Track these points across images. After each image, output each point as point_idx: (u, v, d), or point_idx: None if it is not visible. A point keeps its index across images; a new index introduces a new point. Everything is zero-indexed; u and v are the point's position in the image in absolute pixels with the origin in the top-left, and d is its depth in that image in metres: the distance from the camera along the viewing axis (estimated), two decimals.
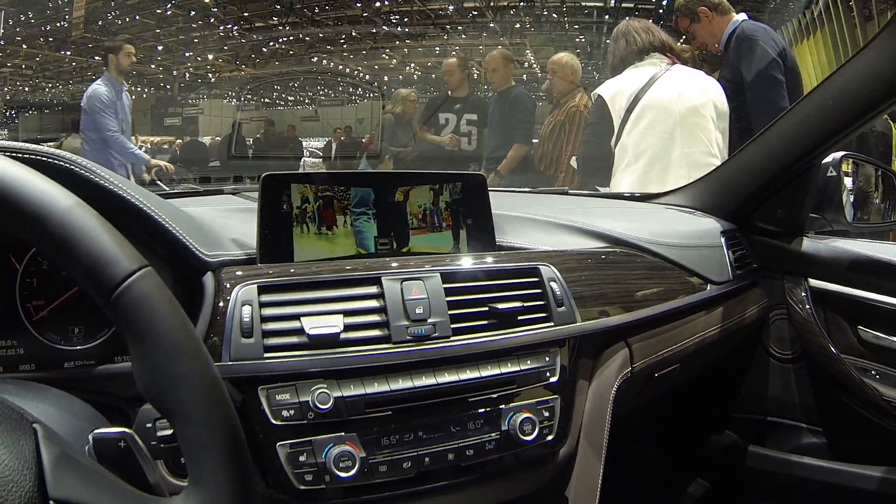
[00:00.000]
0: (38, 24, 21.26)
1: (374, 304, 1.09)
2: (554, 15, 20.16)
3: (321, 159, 11.00)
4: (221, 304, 1.00)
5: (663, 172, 2.96)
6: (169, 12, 21.09)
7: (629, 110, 3.14)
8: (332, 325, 1.02)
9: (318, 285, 1.07)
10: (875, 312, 1.86)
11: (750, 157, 1.98)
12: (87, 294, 1.03)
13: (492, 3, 19.51)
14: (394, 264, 1.16)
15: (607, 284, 1.42)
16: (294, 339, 1.01)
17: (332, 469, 0.97)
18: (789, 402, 2.03)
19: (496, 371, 1.13)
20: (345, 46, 23.60)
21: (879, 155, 6.01)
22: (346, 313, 1.05)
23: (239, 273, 1.06)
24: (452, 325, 1.11)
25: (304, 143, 15.06)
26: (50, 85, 27.38)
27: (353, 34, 22.26)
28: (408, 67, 24.08)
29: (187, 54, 25.43)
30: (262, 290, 1.03)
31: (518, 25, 20.62)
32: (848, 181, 2.21)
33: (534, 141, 5.46)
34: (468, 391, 1.10)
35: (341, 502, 1.02)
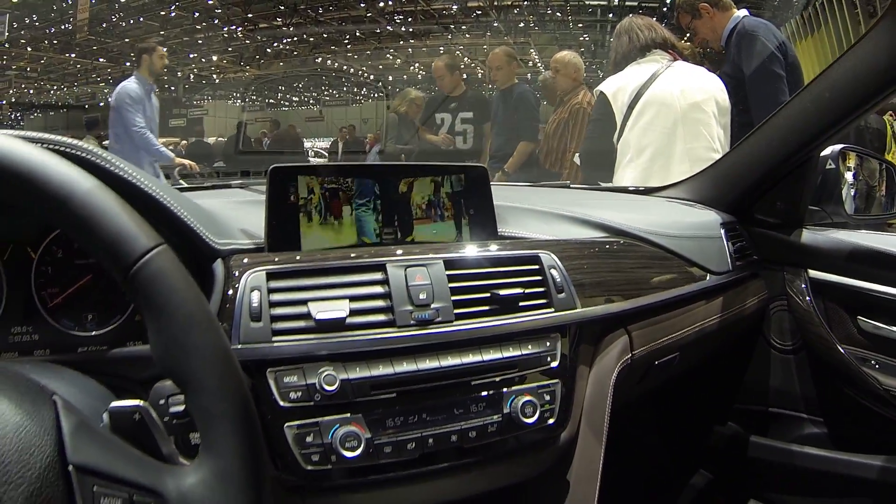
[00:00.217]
0: (42, 27, 21.32)
1: (378, 289, 1.11)
2: (558, 14, 20.18)
3: (326, 159, 11.04)
4: (231, 290, 1.03)
5: (665, 168, 2.98)
6: (173, 14, 21.13)
7: (631, 106, 3.16)
8: (338, 309, 1.05)
9: (325, 272, 1.10)
10: (874, 303, 1.87)
11: (749, 150, 2.00)
12: (100, 282, 1.07)
13: (495, 3, 19.53)
14: (398, 252, 1.18)
15: (607, 272, 1.45)
16: (301, 324, 1.03)
17: (339, 449, 0.99)
18: (790, 393, 2.04)
19: (498, 355, 1.15)
20: (349, 47, 23.64)
21: (874, 150, 6.04)
22: (352, 299, 1.08)
23: (248, 260, 1.08)
24: (455, 311, 1.14)
25: (311, 143, 15.16)
26: (55, 87, 27.44)
27: (357, 34, 22.29)
28: (412, 67, 24.11)
29: (191, 55, 25.49)
30: (271, 276, 1.05)
31: (522, 25, 20.64)
32: (848, 174, 2.23)
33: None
34: (470, 374, 1.13)
35: (347, 482, 1.05)
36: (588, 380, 1.34)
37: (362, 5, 20.45)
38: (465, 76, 6.19)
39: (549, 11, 20.05)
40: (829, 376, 1.97)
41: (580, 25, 20.57)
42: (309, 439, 0.99)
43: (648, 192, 2.32)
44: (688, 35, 4.26)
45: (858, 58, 1.64)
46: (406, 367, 1.08)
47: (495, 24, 20.25)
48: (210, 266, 1.07)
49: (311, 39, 22.70)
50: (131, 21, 21.45)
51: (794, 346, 2.02)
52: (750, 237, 2.00)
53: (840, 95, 1.70)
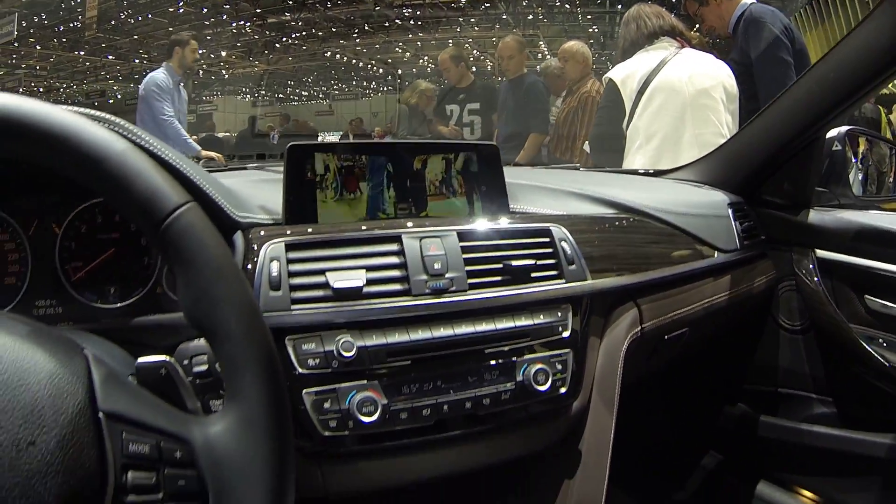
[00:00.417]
0: (51, 25, 21.34)
1: (394, 260, 1.14)
2: (566, 6, 20.11)
3: None
4: (250, 261, 1.05)
5: (675, 154, 2.99)
6: (181, 10, 21.14)
7: (640, 93, 3.18)
8: (355, 279, 1.07)
9: (342, 243, 1.13)
10: (882, 282, 1.88)
11: (755, 132, 2.02)
12: (122, 256, 1.10)
13: None
14: (412, 224, 1.21)
15: (617, 246, 1.47)
16: (319, 293, 1.06)
17: (356, 414, 1.02)
18: (799, 373, 2.06)
19: (510, 324, 1.18)
20: (358, 40, 23.60)
21: None
22: (368, 269, 1.10)
23: (267, 233, 1.11)
24: (469, 280, 1.16)
25: (321, 137, 15.25)
26: (64, 85, 27.47)
27: (366, 28, 22.26)
28: (421, 60, 24.07)
29: (200, 51, 25.47)
30: (290, 247, 1.08)
31: (531, 17, 20.59)
32: (853, 156, 2.25)
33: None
34: (484, 343, 1.16)
35: (363, 449, 1.08)
36: (599, 351, 1.37)
37: None
38: (473, 69, 6.16)
39: (558, 3, 19.99)
40: (838, 355, 1.98)
41: (589, 17, 20.51)
42: (326, 405, 1.02)
43: (657, 174, 2.34)
44: (697, 27, 4.27)
45: (862, 39, 1.66)
46: (421, 334, 1.10)
47: (504, 17, 20.20)
48: (230, 238, 1.09)
49: (321, 34, 22.68)
50: (140, 18, 21.46)
51: (803, 326, 2.03)
52: (758, 218, 2.01)
53: (844, 76, 1.72)
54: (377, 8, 20.08)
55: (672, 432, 2.39)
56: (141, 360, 0.74)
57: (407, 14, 20.78)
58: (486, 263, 1.20)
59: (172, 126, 5.46)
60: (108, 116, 0.97)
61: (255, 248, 1.08)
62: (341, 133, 18.00)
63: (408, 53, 24.03)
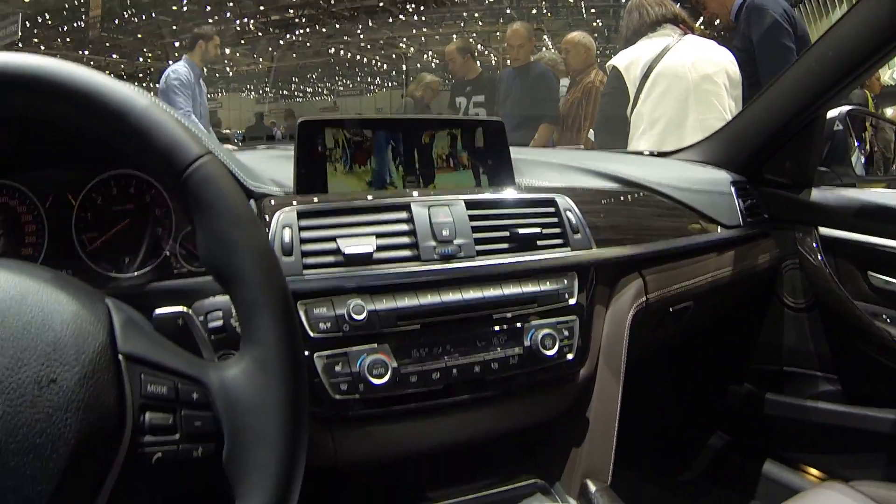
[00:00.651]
0: (55, 25, 21.33)
1: (403, 227, 1.16)
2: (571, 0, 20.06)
3: None
4: (264, 228, 1.08)
5: (678, 138, 3.00)
6: (185, 9, 21.11)
7: (643, 79, 3.19)
8: (365, 245, 1.10)
9: (352, 211, 1.15)
10: (885, 258, 1.90)
11: (756, 112, 2.04)
12: (136, 226, 1.12)
13: None
14: (419, 194, 1.24)
15: (621, 218, 1.50)
16: (331, 258, 1.09)
17: (367, 377, 1.04)
18: (804, 351, 2.07)
19: (517, 290, 1.20)
20: (362, 36, 23.59)
21: None
22: (378, 235, 1.13)
23: (279, 202, 1.14)
24: (476, 247, 1.19)
25: None
26: None
27: (370, 24, 22.23)
28: (425, 56, 24.06)
29: None
30: (301, 215, 1.11)
31: (535, 11, 20.54)
32: (854, 136, 2.27)
33: None
34: (492, 308, 1.18)
35: (373, 413, 1.10)
36: (605, 320, 1.39)
37: None
38: (478, 63, 6.15)
39: None
40: (843, 332, 1.99)
41: (593, 11, 20.45)
42: (338, 368, 1.05)
43: (661, 155, 2.36)
44: (700, 20, 4.28)
45: (860, 16, 1.68)
46: (430, 299, 1.13)
47: (508, 11, 20.15)
48: None
49: (324, 30, 22.65)
50: (143, 16, 21.43)
51: (807, 305, 2.05)
52: (760, 197, 2.02)
53: (842, 54, 1.74)
54: (381, 3, 20.06)
55: (678, 412, 2.41)
56: (158, 311, 0.76)
57: (411, 9, 20.76)
58: (493, 231, 1.23)
59: (190, 119, 5.37)
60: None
61: (268, 216, 1.10)
62: None
63: (412, 49, 24.00)
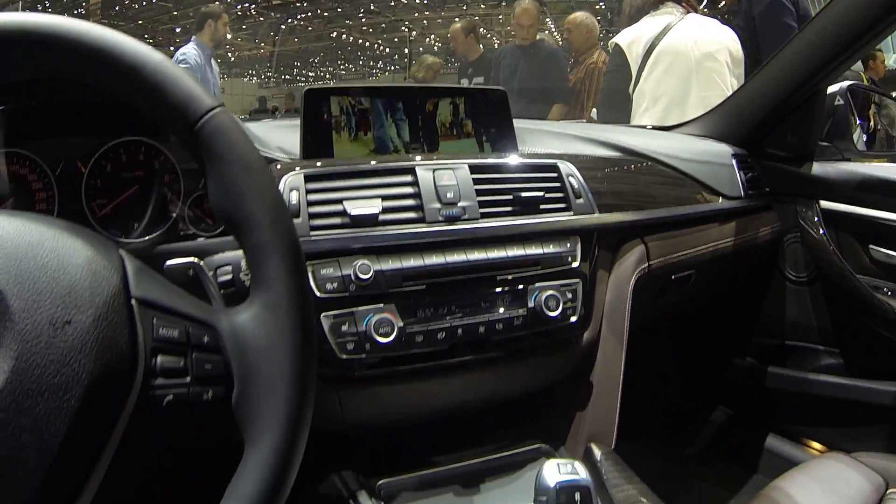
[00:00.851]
0: (55, 12, 21.25)
1: (408, 190, 1.18)
2: None
3: None
4: None
5: (680, 116, 2.99)
6: None
7: (646, 57, 3.20)
8: (371, 207, 1.12)
9: (358, 174, 1.17)
10: (886, 231, 1.91)
11: (757, 86, 2.05)
12: (145, 193, 1.13)
13: None
14: (423, 159, 1.25)
15: (623, 185, 1.51)
16: (337, 220, 1.10)
17: (373, 335, 1.06)
18: (806, 325, 2.09)
19: (521, 252, 1.22)
20: (364, 20, 23.50)
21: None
22: (384, 198, 1.15)
23: (285, 166, 1.16)
24: (480, 210, 1.21)
25: None
26: None
27: (372, 7, 22.16)
28: (427, 39, 23.97)
29: None
30: (308, 178, 1.12)
31: None
32: (855, 111, 2.28)
33: None
34: (496, 269, 1.20)
35: (379, 373, 1.12)
36: (608, 284, 1.41)
37: None
38: (481, 47, 6.11)
39: None
40: (844, 305, 2.01)
41: None
42: (344, 328, 1.06)
43: (663, 129, 2.37)
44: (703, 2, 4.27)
45: None
46: (435, 259, 1.14)
47: None
48: None
49: (326, 14, 22.57)
50: (144, 2, 21.37)
51: (809, 278, 2.06)
52: (762, 170, 2.04)
53: (841, 27, 1.75)
54: None
55: (682, 386, 2.43)
56: (169, 262, 0.78)
57: None
58: (496, 195, 1.24)
59: None
60: None
61: (276, 177, 1.11)
62: None
63: (414, 32, 23.91)
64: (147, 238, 1.13)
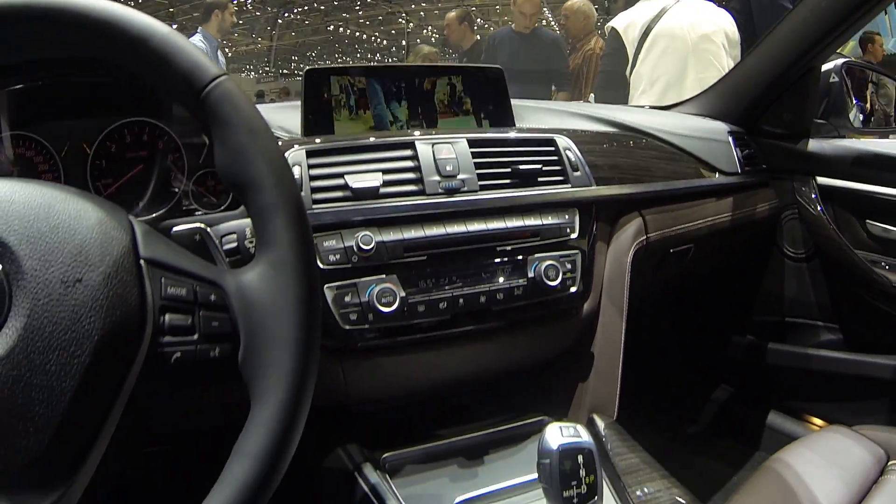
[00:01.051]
0: None
1: (409, 163, 1.20)
2: None
3: None
4: None
5: (678, 98, 3.02)
6: None
7: (642, 40, 3.22)
8: (372, 180, 1.14)
9: (358, 149, 1.19)
10: (882, 206, 1.92)
11: (752, 64, 2.07)
12: (149, 172, 1.15)
13: None
14: (422, 134, 1.27)
15: (620, 159, 1.52)
16: (339, 193, 1.12)
17: (375, 305, 1.07)
18: (805, 301, 2.10)
19: (520, 223, 1.24)
20: (360, 13, 23.47)
21: None
22: (385, 171, 1.16)
23: (286, 143, 1.17)
24: (479, 182, 1.22)
25: None
26: None
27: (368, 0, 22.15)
28: (425, 31, 23.92)
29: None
30: (310, 153, 1.14)
31: None
32: (850, 88, 2.29)
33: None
34: (496, 240, 1.21)
35: (382, 343, 1.14)
36: (606, 256, 1.42)
37: None
38: (478, 37, 6.07)
39: None
40: (843, 281, 2.02)
41: None
42: (347, 298, 1.08)
43: (660, 108, 2.39)
44: None
45: None
46: (436, 230, 1.16)
47: None
48: None
49: (322, 7, 22.53)
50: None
51: (808, 254, 2.08)
52: (758, 147, 2.05)
53: (834, 4, 1.76)
54: None
55: (683, 365, 2.45)
56: (176, 228, 0.80)
57: None
58: (495, 167, 1.26)
59: None
60: None
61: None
62: None
63: (411, 24, 23.88)
64: (153, 215, 1.14)
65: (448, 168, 1.20)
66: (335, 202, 1.11)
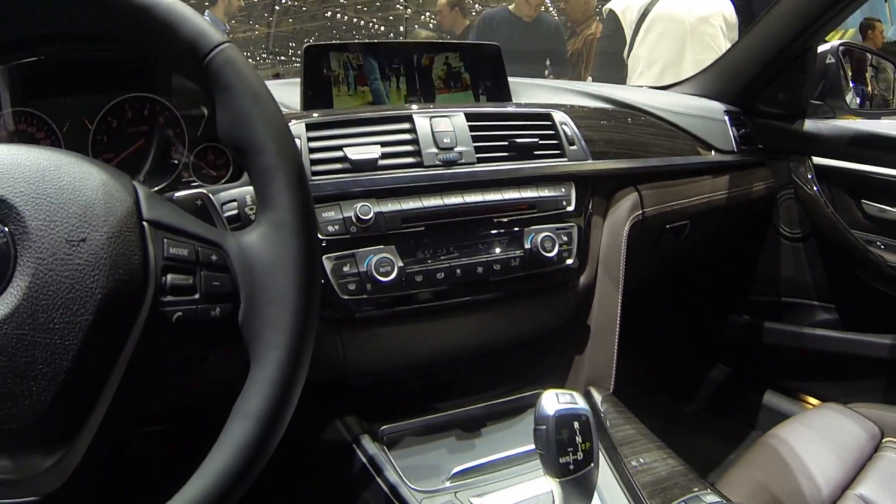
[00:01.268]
0: None
1: (406, 136, 1.21)
2: None
3: None
4: None
5: (675, 79, 3.03)
6: None
7: (640, 22, 3.23)
8: (370, 152, 1.15)
9: (357, 122, 1.20)
10: (878, 185, 1.94)
11: (748, 44, 2.08)
12: (151, 147, 1.16)
13: None
14: (420, 108, 1.28)
15: (616, 134, 1.53)
16: (338, 165, 1.13)
17: (374, 274, 1.09)
18: (801, 281, 2.12)
19: (517, 195, 1.25)
20: None
21: None
22: (383, 144, 1.18)
23: (287, 117, 1.18)
24: (476, 155, 1.23)
25: None
26: None
27: None
28: (422, 16, 23.86)
29: None
30: (309, 126, 1.15)
31: None
32: (847, 70, 2.29)
33: None
34: (493, 211, 1.23)
35: (380, 314, 1.15)
36: (602, 230, 1.44)
37: None
38: (467, 22, 6.02)
39: None
40: (839, 261, 2.04)
41: None
42: (346, 269, 1.09)
43: (657, 89, 2.39)
44: None
45: None
46: (433, 201, 1.17)
47: None
48: None
49: None
50: None
51: (804, 234, 2.09)
52: (755, 127, 2.06)
53: None
54: None
55: (680, 344, 2.46)
56: (178, 194, 0.81)
57: None
58: (492, 140, 1.27)
59: None
60: None
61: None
62: None
63: (409, 10, 23.80)
64: (154, 189, 1.15)
65: (445, 140, 1.21)
66: (334, 174, 1.13)
